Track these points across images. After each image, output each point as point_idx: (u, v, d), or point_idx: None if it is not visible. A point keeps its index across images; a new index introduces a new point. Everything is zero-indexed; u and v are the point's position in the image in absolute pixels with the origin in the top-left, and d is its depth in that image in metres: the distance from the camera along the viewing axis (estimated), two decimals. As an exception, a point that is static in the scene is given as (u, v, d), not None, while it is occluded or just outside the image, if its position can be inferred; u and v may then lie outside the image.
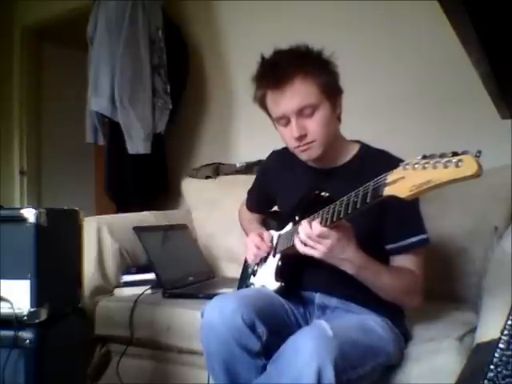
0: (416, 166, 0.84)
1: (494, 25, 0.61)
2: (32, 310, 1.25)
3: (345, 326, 1.18)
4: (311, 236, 1.11)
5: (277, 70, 1.24)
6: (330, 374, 0.97)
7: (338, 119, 1.33)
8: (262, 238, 1.43)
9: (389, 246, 1.26)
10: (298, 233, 1.17)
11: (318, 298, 1.33)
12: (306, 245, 1.14)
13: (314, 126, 1.25)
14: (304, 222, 1.14)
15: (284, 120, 1.27)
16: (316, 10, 2.40)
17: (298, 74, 1.23)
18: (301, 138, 1.25)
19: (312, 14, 2.41)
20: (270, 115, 1.34)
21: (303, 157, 1.32)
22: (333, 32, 2.28)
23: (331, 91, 1.28)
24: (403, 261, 1.26)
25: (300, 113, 1.24)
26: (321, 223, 1.10)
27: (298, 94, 1.23)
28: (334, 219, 1.07)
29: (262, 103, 1.32)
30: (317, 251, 1.12)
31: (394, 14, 2.20)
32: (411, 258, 1.25)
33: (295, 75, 1.23)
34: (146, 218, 2.31)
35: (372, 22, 2.27)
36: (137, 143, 2.52)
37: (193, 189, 2.60)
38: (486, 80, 0.77)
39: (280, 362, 1.07)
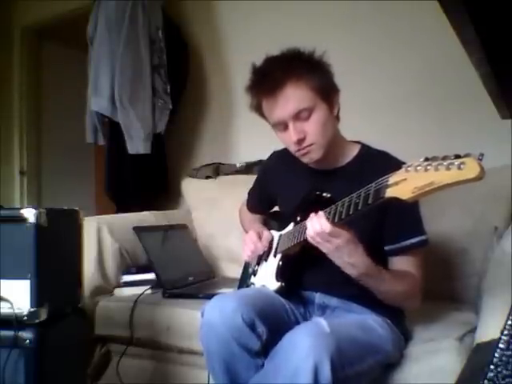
0: (418, 168, 0.84)
1: (494, 25, 0.61)
2: (32, 310, 1.25)
3: (343, 323, 1.19)
4: (320, 233, 1.10)
5: (268, 79, 1.24)
6: (326, 370, 0.97)
7: (337, 118, 1.33)
8: (261, 237, 1.43)
9: (387, 247, 1.26)
10: (306, 226, 1.15)
11: (318, 297, 1.33)
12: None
13: (312, 128, 1.25)
14: (314, 219, 1.12)
15: (282, 125, 1.27)
16: (316, 10, 2.40)
17: (289, 79, 1.22)
18: (300, 141, 1.25)
19: (312, 14, 2.41)
20: (268, 122, 1.34)
21: (305, 160, 1.32)
22: (333, 32, 2.29)
23: (326, 92, 1.27)
24: (402, 262, 1.25)
25: (296, 117, 1.24)
26: None
27: (291, 99, 1.23)
28: (336, 220, 1.07)
29: (259, 111, 1.33)
30: (324, 248, 1.12)
31: (395, 14, 2.20)
32: (410, 259, 1.25)
33: (286, 81, 1.22)
34: (146, 217, 2.31)
35: (372, 22, 2.27)
36: (137, 143, 2.52)
37: (193, 189, 2.60)
38: (486, 80, 0.77)
39: (277, 358, 1.07)
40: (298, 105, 1.23)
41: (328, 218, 1.09)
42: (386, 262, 1.27)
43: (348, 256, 1.11)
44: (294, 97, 1.23)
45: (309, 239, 1.14)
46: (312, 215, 1.14)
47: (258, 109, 1.32)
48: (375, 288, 1.20)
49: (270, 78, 1.24)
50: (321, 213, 1.12)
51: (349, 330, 1.14)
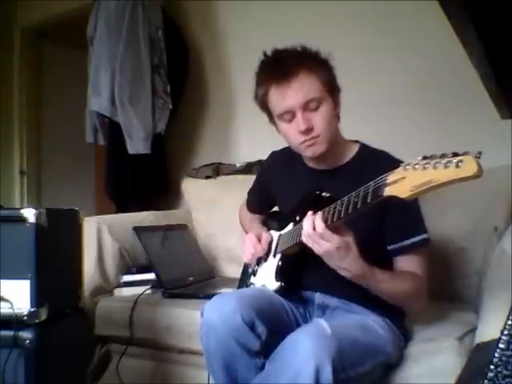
0: (416, 166, 0.84)
1: (494, 25, 0.61)
2: (32, 310, 1.25)
3: (344, 324, 1.18)
4: (311, 235, 1.10)
5: (281, 64, 1.25)
6: (328, 373, 0.97)
7: (338, 117, 1.33)
8: (260, 239, 1.43)
9: (390, 247, 1.25)
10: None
11: (318, 297, 1.33)
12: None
13: (319, 120, 1.25)
14: (308, 218, 1.12)
15: (288, 115, 1.26)
16: (316, 11, 2.40)
17: (302, 67, 1.23)
18: (307, 131, 1.24)
19: (312, 14, 2.41)
20: (270, 115, 1.34)
21: (308, 153, 1.31)
22: (333, 32, 2.29)
23: (332, 88, 1.29)
24: (406, 261, 1.25)
25: (305, 106, 1.24)
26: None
27: (304, 86, 1.23)
28: (335, 219, 1.07)
29: (264, 101, 1.31)
30: (315, 249, 1.12)
31: (395, 15, 2.20)
32: (414, 258, 1.24)
33: (300, 69, 1.23)
34: (146, 217, 2.31)
35: (372, 23, 2.27)
36: (137, 143, 2.52)
37: (193, 189, 2.60)
38: (486, 80, 0.77)
39: (278, 360, 1.07)
40: (309, 93, 1.23)
41: (327, 218, 1.09)
42: (389, 262, 1.26)
43: (339, 261, 1.11)
44: (306, 85, 1.23)
45: (303, 239, 1.14)
46: (309, 214, 1.13)
47: (263, 99, 1.31)
48: (373, 288, 1.19)
49: (283, 64, 1.24)
50: (319, 213, 1.11)
51: (350, 332, 1.14)
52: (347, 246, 1.10)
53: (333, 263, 1.13)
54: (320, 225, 1.08)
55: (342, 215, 1.04)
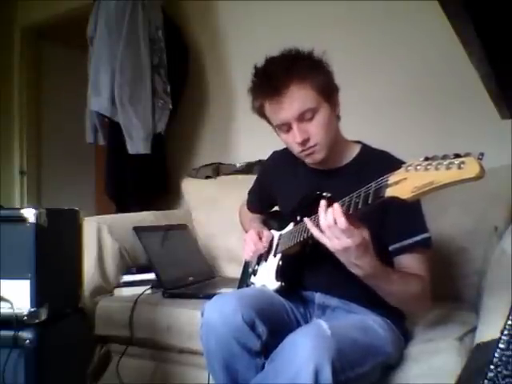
0: (418, 167, 0.84)
1: (494, 25, 0.61)
2: (32, 310, 1.25)
3: (344, 325, 1.18)
4: (332, 229, 1.05)
5: (272, 80, 1.23)
6: (327, 374, 0.97)
7: (338, 117, 1.33)
8: (261, 237, 1.43)
9: (392, 247, 1.24)
10: (316, 217, 1.10)
11: (318, 297, 1.33)
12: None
13: (316, 129, 1.24)
14: (329, 211, 1.06)
15: (285, 126, 1.26)
16: (316, 10, 2.40)
17: (293, 80, 1.22)
18: (304, 142, 1.25)
19: (312, 14, 2.41)
20: (270, 123, 1.34)
21: (308, 160, 1.31)
22: (333, 32, 2.29)
23: (328, 91, 1.27)
24: (408, 260, 1.23)
25: (301, 118, 1.23)
26: None
27: (296, 100, 1.22)
28: (350, 210, 1.04)
29: (261, 112, 1.31)
30: (331, 243, 1.07)
31: (395, 14, 2.20)
32: (416, 258, 1.23)
33: (291, 82, 1.21)
34: (146, 217, 2.31)
35: (373, 22, 2.27)
36: (137, 143, 2.52)
37: (193, 189, 2.60)
38: (486, 80, 0.77)
39: (277, 361, 1.07)
40: (303, 105, 1.22)
41: (343, 213, 1.04)
42: (390, 262, 1.24)
43: (355, 258, 1.07)
44: (298, 97, 1.22)
45: (313, 231, 1.09)
46: (322, 204, 1.08)
47: (260, 110, 1.31)
48: (383, 289, 1.17)
49: (273, 79, 1.23)
50: (336, 205, 1.06)
51: (349, 332, 1.13)
52: (367, 243, 1.07)
53: (347, 260, 1.09)
54: (342, 219, 1.03)
55: (350, 211, 1.03)
